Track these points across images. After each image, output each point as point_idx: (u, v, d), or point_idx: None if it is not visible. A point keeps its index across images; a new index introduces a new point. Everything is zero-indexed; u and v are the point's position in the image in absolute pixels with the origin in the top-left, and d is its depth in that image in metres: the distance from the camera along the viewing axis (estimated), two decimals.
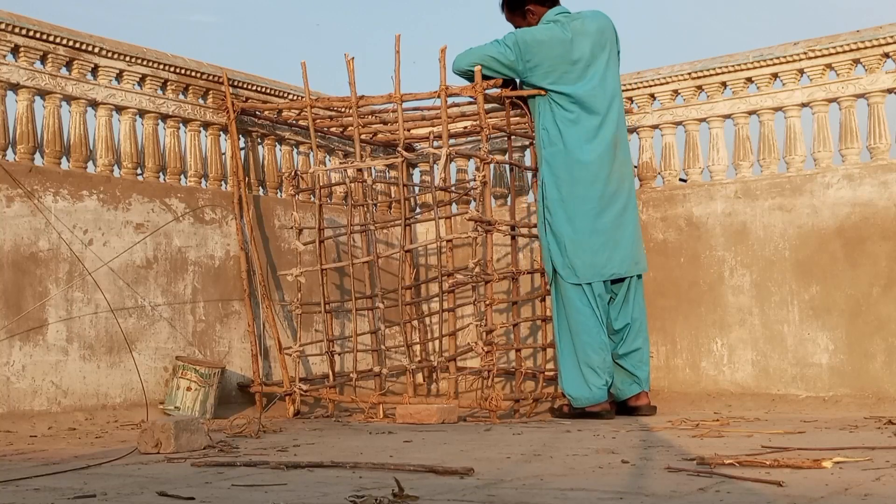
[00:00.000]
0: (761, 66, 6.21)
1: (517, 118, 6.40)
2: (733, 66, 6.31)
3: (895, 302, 5.72)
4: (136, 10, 24.04)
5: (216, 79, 6.38)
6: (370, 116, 6.75)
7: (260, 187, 6.73)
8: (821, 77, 6.08)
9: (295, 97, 6.76)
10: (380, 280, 6.50)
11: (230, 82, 6.41)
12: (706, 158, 6.51)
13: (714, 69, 6.37)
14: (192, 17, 25.56)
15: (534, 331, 6.80)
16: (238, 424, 4.88)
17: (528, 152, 6.81)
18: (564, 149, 5.71)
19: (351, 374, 6.13)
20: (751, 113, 6.36)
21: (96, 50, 5.76)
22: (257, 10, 25.07)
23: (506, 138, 6.26)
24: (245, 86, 6.54)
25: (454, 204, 7.00)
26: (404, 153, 6.05)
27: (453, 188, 6.79)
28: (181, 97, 6.27)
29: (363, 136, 6.69)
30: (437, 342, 6.51)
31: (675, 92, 6.55)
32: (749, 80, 6.31)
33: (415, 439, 4.28)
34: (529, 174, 6.88)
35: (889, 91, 5.90)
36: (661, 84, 6.57)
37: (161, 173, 6.14)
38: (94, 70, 5.82)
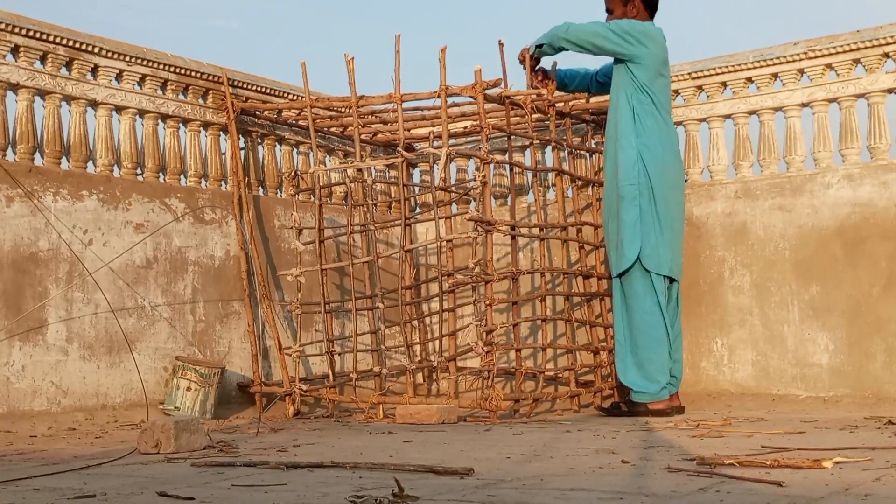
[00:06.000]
0: (761, 66, 6.21)
1: (517, 118, 6.39)
2: (733, 66, 6.31)
3: (895, 302, 5.72)
4: (162, 16, 24.14)
5: (216, 79, 6.38)
6: (370, 116, 6.75)
7: (260, 187, 6.73)
8: (821, 77, 6.08)
9: (295, 97, 6.76)
10: (380, 280, 6.50)
11: (230, 82, 6.41)
12: (706, 158, 6.52)
13: (714, 69, 6.37)
14: (218, 23, 25.71)
15: (534, 331, 6.80)
16: (238, 424, 4.88)
17: (527, 152, 6.80)
18: (658, 143, 5.75)
19: (351, 374, 6.13)
20: (751, 113, 6.36)
21: (96, 50, 5.76)
22: (278, 14, 25.22)
23: (506, 138, 6.26)
24: (245, 86, 6.54)
25: (454, 204, 7.00)
26: (404, 153, 6.05)
27: (453, 188, 6.79)
28: (181, 97, 6.27)
29: (363, 136, 6.69)
30: (437, 342, 6.51)
31: (676, 92, 6.54)
32: (749, 80, 6.31)
33: (415, 439, 4.28)
34: (530, 174, 6.88)
35: (889, 91, 5.90)
36: None
37: (161, 173, 6.14)
38: (94, 70, 5.82)
